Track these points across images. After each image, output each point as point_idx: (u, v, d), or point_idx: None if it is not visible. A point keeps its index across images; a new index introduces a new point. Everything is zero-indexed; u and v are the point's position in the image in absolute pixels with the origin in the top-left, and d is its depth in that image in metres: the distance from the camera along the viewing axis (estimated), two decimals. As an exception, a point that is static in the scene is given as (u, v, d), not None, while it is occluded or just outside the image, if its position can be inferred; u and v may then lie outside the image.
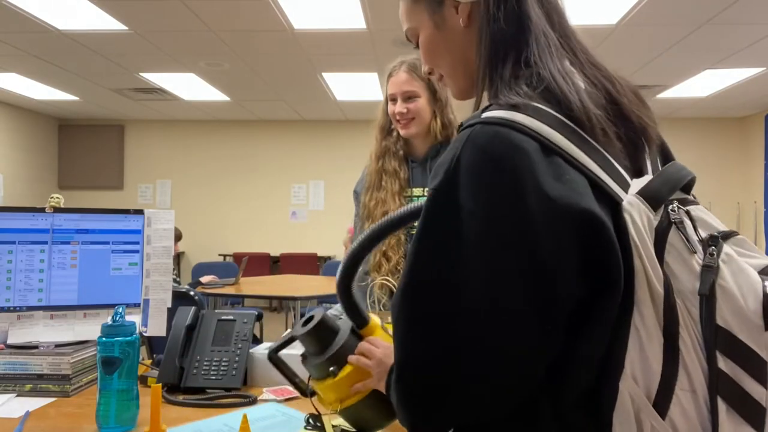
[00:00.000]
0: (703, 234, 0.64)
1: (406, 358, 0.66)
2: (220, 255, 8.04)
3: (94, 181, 8.28)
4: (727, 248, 0.62)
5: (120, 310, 1.11)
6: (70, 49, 5.01)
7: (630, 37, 4.56)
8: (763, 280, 0.60)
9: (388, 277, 1.60)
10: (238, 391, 1.30)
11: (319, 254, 7.88)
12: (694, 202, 0.68)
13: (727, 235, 0.65)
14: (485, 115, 0.65)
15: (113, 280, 1.47)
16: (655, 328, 0.61)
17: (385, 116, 1.84)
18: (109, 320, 1.10)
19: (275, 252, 7.99)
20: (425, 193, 1.77)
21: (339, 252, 7.92)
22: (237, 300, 6.61)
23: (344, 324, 0.93)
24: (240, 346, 1.37)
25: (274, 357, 1.02)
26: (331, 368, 0.88)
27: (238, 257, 7.68)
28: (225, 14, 4.17)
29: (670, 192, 0.65)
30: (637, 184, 0.66)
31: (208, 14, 4.18)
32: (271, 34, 4.58)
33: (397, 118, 1.75)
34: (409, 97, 1.74)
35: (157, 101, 7.11)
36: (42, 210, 1.44)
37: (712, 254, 0.62)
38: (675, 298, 0.61)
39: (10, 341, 1.37)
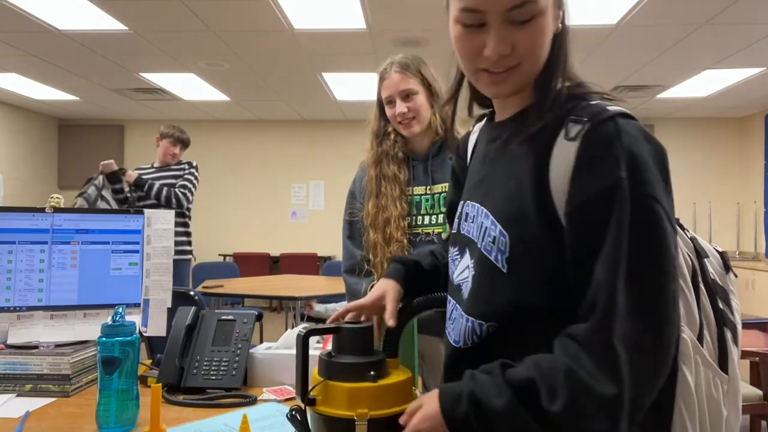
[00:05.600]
0: None
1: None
2: (220, 255, 8.05)
3: (94, 181, 8.28)
4: None
5: (120, 310, 1.11)
6: (70, 49, 5.01)
7: (630, 37, 4.56)
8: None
9: None
10: (238, 391, 1.30)
11: (319, 254, 7.88)
12: None
13: None
14: (617, 110, 0.77)
15: (113, 280, 1.47)
16: (687, 283, 0.78)
17: (379, 122, 1.82)
18: (109, 320, 1.10)
19: (275, 252, 7.99)
20: (428, 191, 1.77)
21: (339, 252, 7.92)
22: (237, 300, 6.61)
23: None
24: (240, 346, 1.37)
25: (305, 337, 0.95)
26: (372, 373, 0.87)
27: (238, 257, 7.69)
28: (225, 14, 4.17)
29: None
30: None
31: (208, 14, 4.18)
32: (271, 34, 4.58)
33: (399, 119, 1.73)
34: (407, 96, 1.72)
35: (157, 101, 7.12)
36: (42, 210, 1.44)
37: (683, 230, 0.83)
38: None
39: (10, 341, 1.37)
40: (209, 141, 8.32)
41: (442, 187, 1.76)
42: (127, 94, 6.71)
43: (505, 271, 0.82)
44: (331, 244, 8.02)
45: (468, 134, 1.12)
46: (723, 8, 3.95)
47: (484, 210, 0.88)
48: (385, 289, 1.06)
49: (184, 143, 4.26)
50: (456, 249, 0.97)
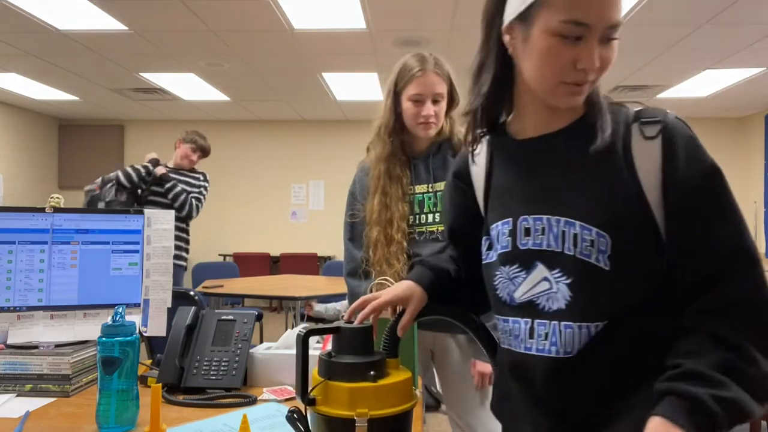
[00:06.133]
0: None
1: None
2: (220, 255, 8.05)
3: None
4: None
5: (120, 310, 1.11)
6: (70, 49, 5.01)
7: (630, 37, 4.56)
8: None
9: (387, 278, 1.60)
10: (238, 391, 1.30)
11: (319, 254, 7.88)
12: None
13: None
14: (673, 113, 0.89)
15: (113, 280, 1.47)
16: None
17: (392, 115, 1.75)
18: (109, 320, 1.10)
19: (275, 252, 7.99)
20: (429, 190, 1.76)
21: (339, 252, 7.91)
22: (237, 300, 6.61)
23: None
24: (240, 346, 1.37)
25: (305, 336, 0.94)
26: (372, 373, 0.87)
27: (238, 257, 7.69)
28: (225, 14, 4.17)
29: None
30: None
31: (208, 14, 4.18)
32: (271, 34, 4.58)
33: (422, 120, 1.70)
34: (437, 100, 1.71)
35: (157, 101, 7.12)
36: (42, 210, 1.44)
37: None
38: None
39: (10, 341, 1.37)
40: (209, 141, 8.31)
41: (444, 185, 1.75)
42: (127, 94, 6.71)
43: (608, 269, 0.86)
44: (331, 244, 8.01)
45: (465, 163, 1.11)
46: (723, 8, 3.95)
47: (562, 219, 0.90)
48: (411, 294, 1.05)
49: (204, 152, 4.30)
50: (516, 266, 0.95)
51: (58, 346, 1.35)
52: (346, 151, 7.89)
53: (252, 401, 1.25)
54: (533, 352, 0.93)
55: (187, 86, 6.31)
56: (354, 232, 1.87)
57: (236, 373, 1.32)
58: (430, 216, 1.75)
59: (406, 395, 0.90)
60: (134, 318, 1.44)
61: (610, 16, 0.82)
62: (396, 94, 1.75)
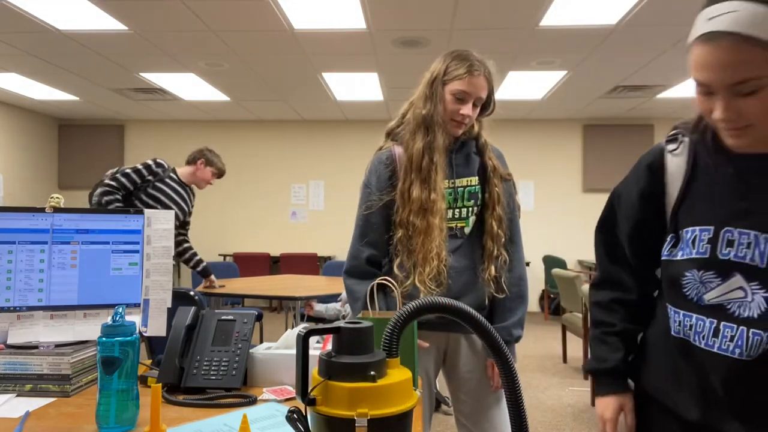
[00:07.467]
0: None
1: None
2: (220, 255, 8.05)
3: (94, 181, 8.22)
4: None
5: (120, 310, 1.11)
6: (70, 49, 5.01)
7: (630, 37, 4.56)
8: None
9: (386, 278, 1.60)
10: (238, 391, 1.30)
11: (319, 254, 7.89)
12: None
13: None
14: None
15: (113, 280, 1.47)
16: None
17: (443, 104, 1.72)
18: (109, 320, 1.10)
19: (275, 252, 8.00)
20: (450, 185, 1.73)
21: (339, 252, 7.93)
22: (237, 300, 6.62)
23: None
24: (240, 346, 1.37)
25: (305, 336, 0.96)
26: (372, 373, 0.87)
27: (238, 257, 7.69)
28: (225, 14, 4.17)
29: None
30: None
31: (208, 14, 4.18)
32: (271, 34, 4.58)
33: (457, 118, 1.70)
34: (476, 104, 1.72)
35: (157, 101, 7.12)
36: (42, 210, 1.44)
37: None
38: None
39: (10, 341, 1.37)
40: (209, 141, 8.32)
41: (467, 181, 1.75)
42: (127, 94, 6.71)
43: None
44: (331, 244, 8.02)
45: (660, 158, 1.13)
46: (723, 8, 3.95)
47: None
48: (626, 403, 1.20)
49: (221, 176, 4.17)
50: (712, 272, 1.01)
51: (58, 346, 1.35)
52: (346, 151, 7.90)
53: (252, 401, 1.25)
54: (715, 350, 0.99)
55: (187, 86, 6.31)
56: (367, 227, 1.78)
57: (236, 373, 1.32)
58: (450, 212, 1.73)
59: (406, 395, 0.90)
60: (134, 318, 1.44)
61: None
62: (441, 84, 1.72)
